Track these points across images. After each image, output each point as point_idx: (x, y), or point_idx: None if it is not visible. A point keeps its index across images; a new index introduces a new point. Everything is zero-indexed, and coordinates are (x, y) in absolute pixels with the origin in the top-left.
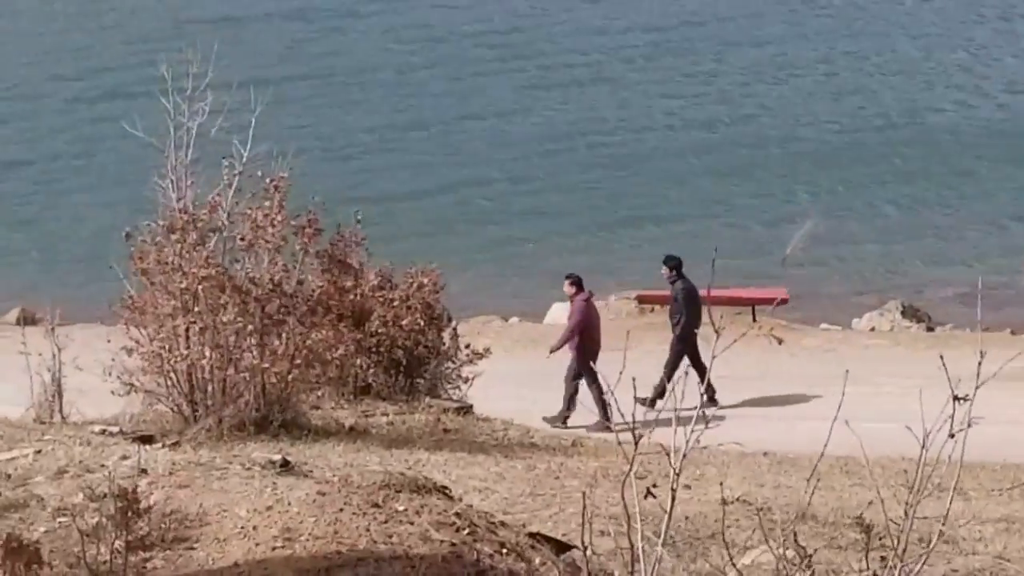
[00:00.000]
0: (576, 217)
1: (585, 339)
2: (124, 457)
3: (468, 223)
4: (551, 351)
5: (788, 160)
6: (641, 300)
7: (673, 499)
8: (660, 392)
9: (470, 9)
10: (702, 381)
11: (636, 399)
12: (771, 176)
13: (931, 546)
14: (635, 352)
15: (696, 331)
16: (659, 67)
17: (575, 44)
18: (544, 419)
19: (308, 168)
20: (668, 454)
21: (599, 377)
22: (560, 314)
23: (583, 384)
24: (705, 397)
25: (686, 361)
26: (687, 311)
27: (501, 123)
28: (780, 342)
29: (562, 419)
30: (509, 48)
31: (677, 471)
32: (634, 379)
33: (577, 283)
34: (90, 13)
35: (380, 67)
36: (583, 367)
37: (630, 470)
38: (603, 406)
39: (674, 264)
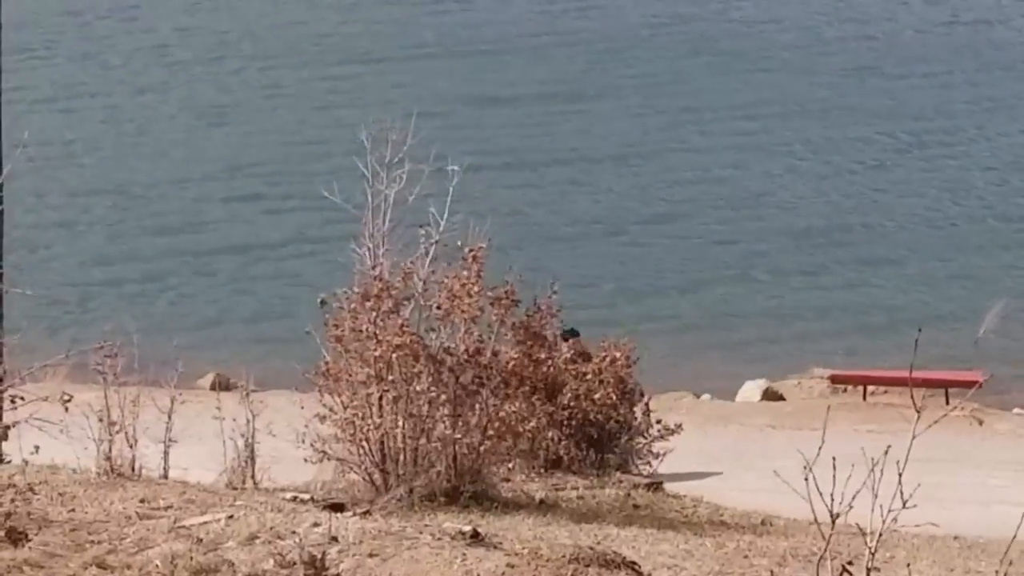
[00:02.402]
0: (768, 295)
1: None
2: (315, 524)
3: (662, 298)
4: None
5: (982, 238)
6: (834, 380)
7: None
8: None
9: (717, 92)
10: None
11: None
12: (965, 254)
13: None
14: (829, 432)
15: None
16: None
17: (832, 127)
18: None
19: (508, 242)
20: (864, 534)
21: None
22: (752, 393)
23: None
24: None
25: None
26: None
27: (727, 211)
28: (980, 423)
29: None
30: (755, 130)
31: (873, 550)
32: (834, 458)
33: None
34: (339, 88)
35: (620, 148)
36: None
37: (826, 548)
38: None
39: (569, 337)
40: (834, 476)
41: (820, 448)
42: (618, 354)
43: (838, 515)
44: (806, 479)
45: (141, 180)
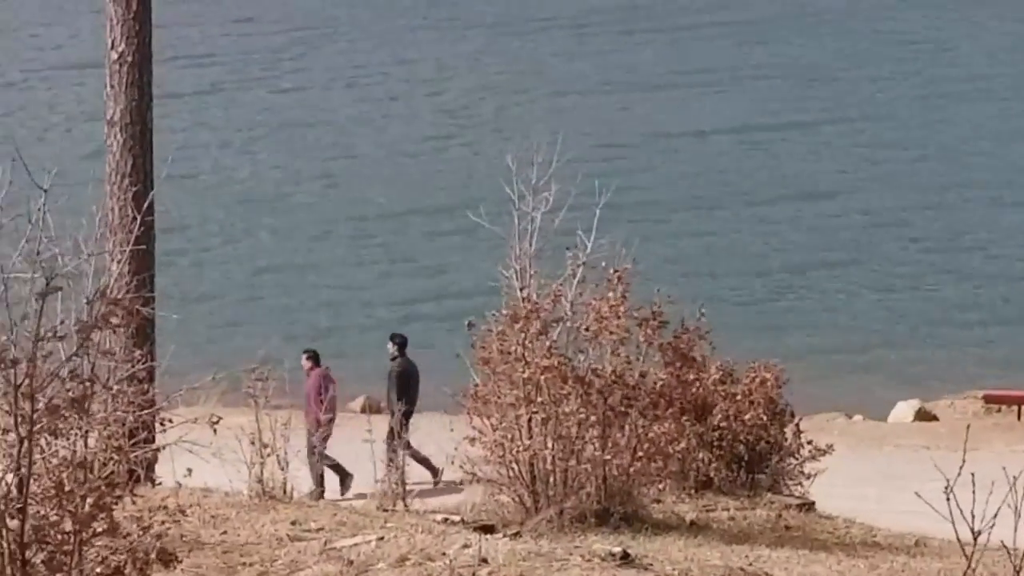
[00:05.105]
0: (920, 317)
1: (311, 410)
2: (465, 546)
3: (814, 319)
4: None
5: None
6: (988, 400)
7: None
8: (431, 469)
9: (911, 124)
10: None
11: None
12: None
13: None
14: (983, 452)
15: (408, 411)
16: None
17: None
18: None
19: (653, 262)
20: (1009, 552)
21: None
22: (905, 413)
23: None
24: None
25: None
26: (397, 390)
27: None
28: None
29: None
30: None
31: (1017, 568)
32: (973, 474)
33: (313, 358)
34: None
35: (796, 185)
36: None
37: (968, 567)
38: (320, 479)
39: (399, 342)
40: (973, 496)
41: (960, 468)
42: (768, 375)
43: (979, 532)
44: (947, 500)
45: (327, 214)
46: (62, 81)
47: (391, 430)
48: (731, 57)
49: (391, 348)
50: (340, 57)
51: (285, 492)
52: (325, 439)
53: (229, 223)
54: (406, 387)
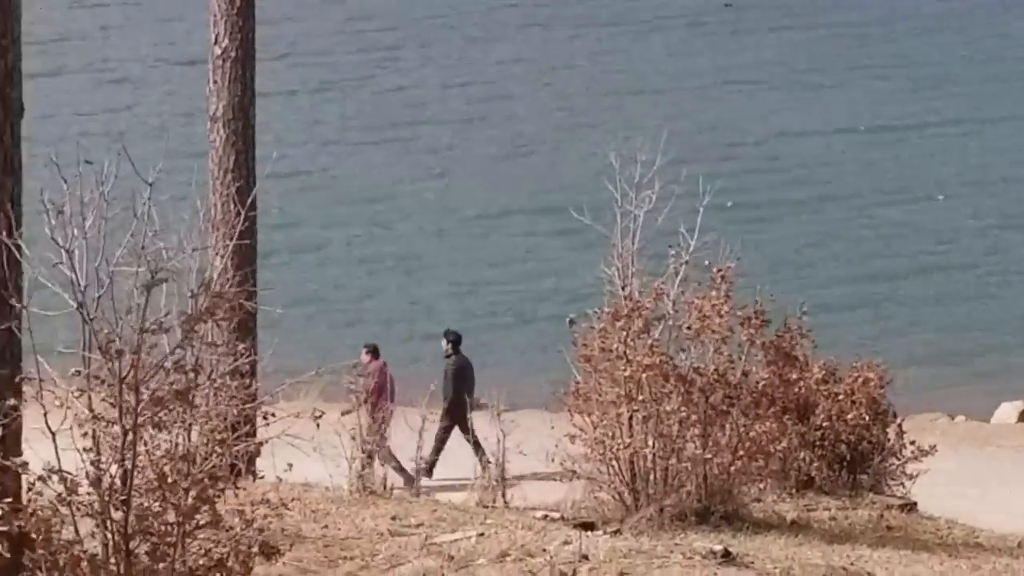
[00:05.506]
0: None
1: (379, 405)
2: (565, 543)
3: (920, 319)
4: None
5: None
6: None
7: None
8: (431, 464)
9: None
10: (476, 452)
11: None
12: None
13: None
14: None
15: (465, 406)
16: None
17: None
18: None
19: (764, 263)
20: None
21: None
22: (1009, 414)
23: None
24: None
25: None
26: (454, 387)
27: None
28: None
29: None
30: None
31: None
32: None
33: (373, 352)
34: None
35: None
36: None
37: None
38: (401, 469)
39: (453, 339)
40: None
41: None
42: (871, 375)
43: None
44: None
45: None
46: (176, 76)
47: (463, 427)
48: (849, 57)
49: (445, 345)
50: (453, 55)
51: (385, 488)
52: (383, 435)
53: (342, 220)
54: (462, 384)
